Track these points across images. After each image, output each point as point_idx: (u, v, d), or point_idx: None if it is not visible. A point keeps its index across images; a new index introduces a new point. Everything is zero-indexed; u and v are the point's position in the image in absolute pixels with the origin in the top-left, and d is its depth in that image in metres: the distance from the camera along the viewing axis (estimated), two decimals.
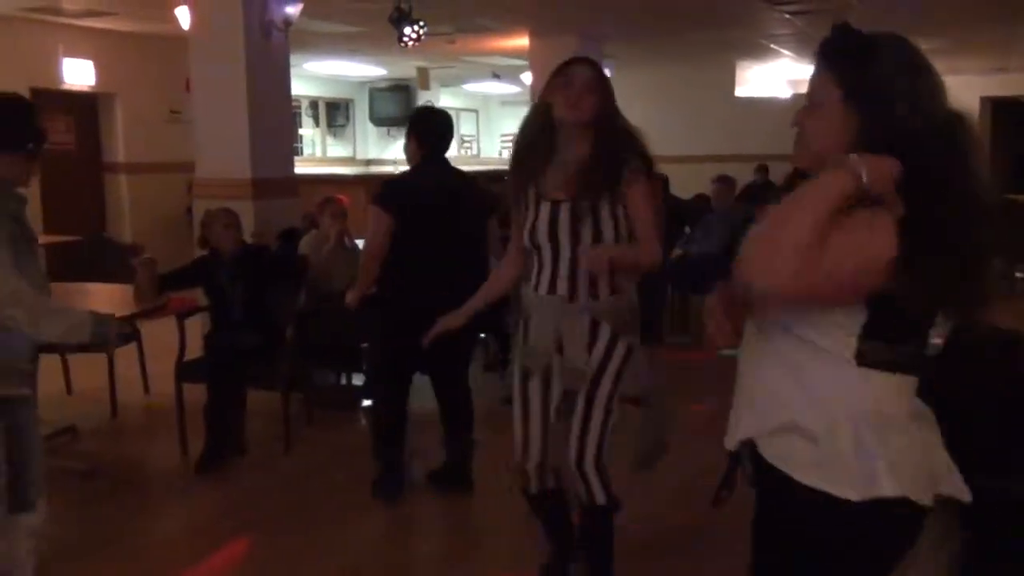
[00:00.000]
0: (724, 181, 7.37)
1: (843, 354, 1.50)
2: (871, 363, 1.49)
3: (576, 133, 2.58)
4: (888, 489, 1.47)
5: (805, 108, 1.57)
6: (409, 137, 3.83)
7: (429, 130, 3.82)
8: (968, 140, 1.48)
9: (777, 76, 13.96)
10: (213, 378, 4.28)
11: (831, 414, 1.51)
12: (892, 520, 1.52)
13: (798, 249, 1.35)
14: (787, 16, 8.54)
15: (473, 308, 2.85)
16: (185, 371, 4.38)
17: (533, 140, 2.64)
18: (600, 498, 2.67)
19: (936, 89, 1.50)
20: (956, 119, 1.49)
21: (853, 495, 1.49)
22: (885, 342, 1.49)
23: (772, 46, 11.03)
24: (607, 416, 2.62)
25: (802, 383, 1.55)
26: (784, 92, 14.07)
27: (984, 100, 12.92)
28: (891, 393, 1.54)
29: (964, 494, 1.58)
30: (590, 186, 2.54)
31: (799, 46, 10.98)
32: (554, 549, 2.98)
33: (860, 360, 1.49)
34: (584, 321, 2.57)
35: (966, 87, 12.62)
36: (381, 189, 3.85)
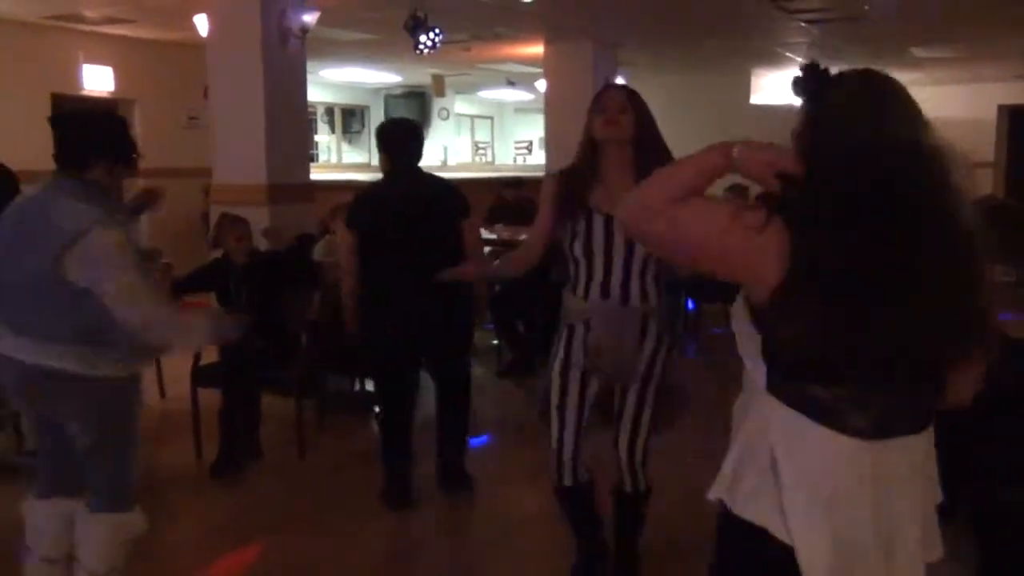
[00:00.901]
0: (736, 191, 7.34)
1: (758, 380, 1.48)
2: (772, 390, 1.45)
3: (616, 153, 2.74)
4: (743, 510, 1.48)
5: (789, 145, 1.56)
6: (379, 152, 3.93)
7: (390, 141, 3.90)
8: (932, 167, 1.38)
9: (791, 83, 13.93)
10: (227, 382, 4.30)
11: (745, 436, 1.51)
12: (745, 540, 1.49)
13: (655, 193, 1.48)
14: (803, 24, 8.53)
15: (483, 273, 3.05)
16: (200, 375, 4.41)
17: (579, 162, 2.82)
18: (643, 485, 2.94)
19: (902, 117, 1.45)
20: (918, 146, 1.41)
21: (715, 495, 1.53)
22: (782, 377, 1.44)
23: (787, 54, 11.01)
24: (657, 412, 2.86)
25: (744, 408, 1.56)
26: (799, 100, 14.04)
27: (1001, 108, 12.85)
28: (799, 437, 1.44)
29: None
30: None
31: (815, 53, 10.95)
32: (583, 545, 3.05)
33: (768, 385, 1.46)
34: (636, 323, 2.76)
35: (984, 95, 12.56)
36: (349, 207, 3.93)
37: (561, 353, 2.86)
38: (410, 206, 3.76)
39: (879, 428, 1.40)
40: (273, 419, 4.68)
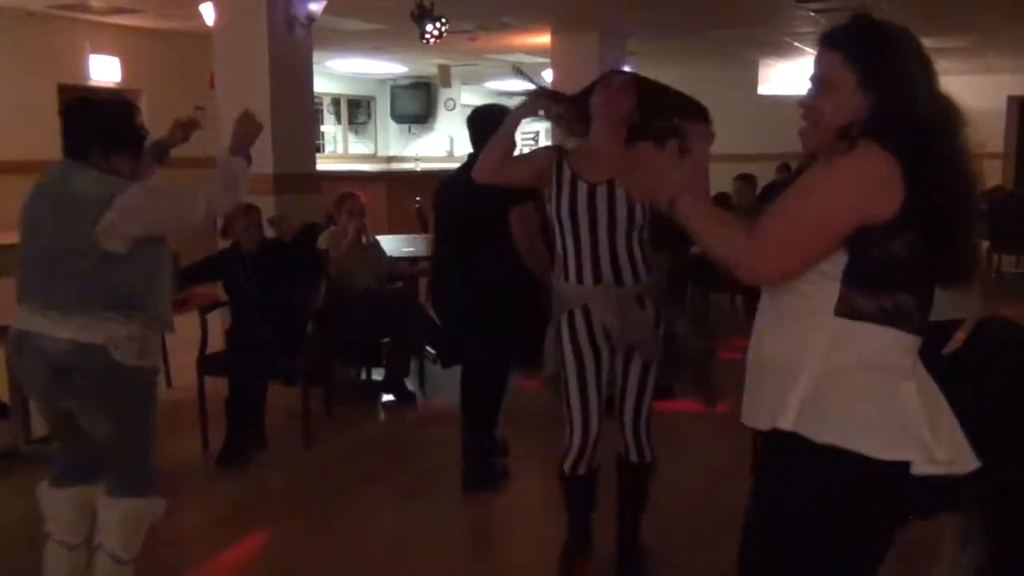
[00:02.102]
0: (745, 180, 7.34)
1: (825, 301, 1.59)
2: (849, 312, 1.57)
3: (610, 130, 2.78)
4: (851, 443, 1.56)
5: (815, 90, 1.66)
6: (479, 136, 3.83)
7: (471, 125, 3.93)
8: (963, 126, 1.61)
9: (800, 74, 13.87)
10: (234, 371, 4.31)
11: (805, 361, 1.59)
12: (862, 475, 1.57)
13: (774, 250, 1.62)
14: (811, 14, 8.49)
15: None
16: (207, 364, 4.42)
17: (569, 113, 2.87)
18: (648, 456, 2.95)
19: (936, 79, 1.62)
20: (953, 108, 1.62)
21: (818, 436, 1.58)
22: (868, 291, 1.57)
23: (796, 44, 10.95)
24: (655, 384, 2.91)
25: (783, 331, 1.64)
26: (806, 90, 13.98)
27: (1011, 99, 12.77)
28: (873, 346, 1.58)
29: (962, 464, 1.61)
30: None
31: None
32: (578, 531, 3.04)
33: (839, 308, 1.58)
34: (632, 300, 2.79)
35: (993, 86, 12.46)
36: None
37: (568, 342, 2.85)
38: (462, 193, 3.68)
39: (923, 327, 1.64)
40: (279, 409, 4.69)
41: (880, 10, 7.60)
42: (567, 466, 2.92)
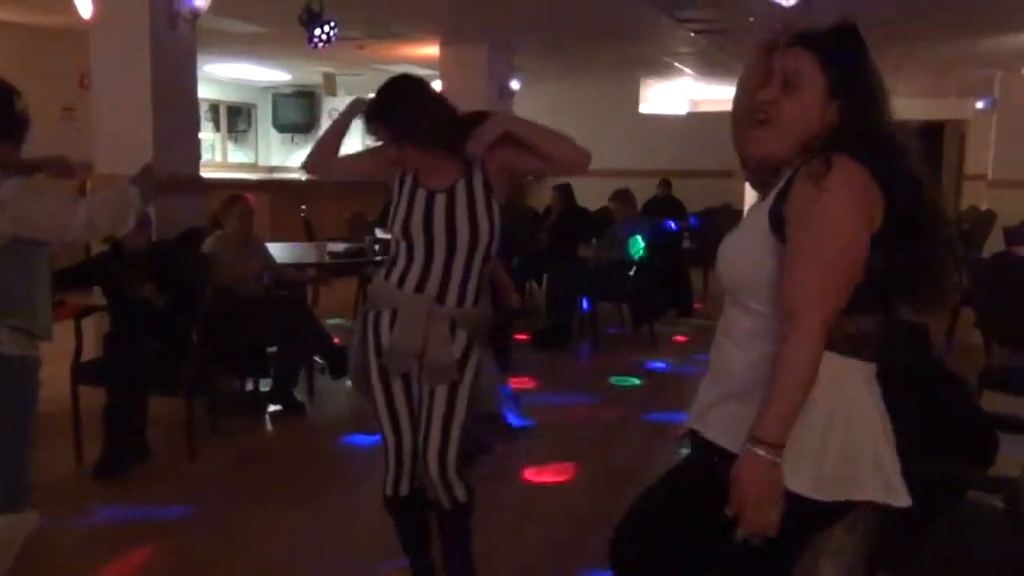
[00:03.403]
0: (621, 198, 7.46)
1: None
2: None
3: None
4: (806, 489, 1.54)
5: (778, 88, 1.61)
6: None
7: None
8: (913, 144, 1.61)
9: (678, 94, 14.37)
10: (113, 379, 4.08)
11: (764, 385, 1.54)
12: (808, 510, 1.56)
13: None
14: (691, 34, 8.81)
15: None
16: (82, 373, 4.16)
17: None
18: (462, 496, 2.65)
19: (890, 103, 1.63)
20: (904, 125, 1.63)
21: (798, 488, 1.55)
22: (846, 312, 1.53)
23: (675, 64, 11.35)
24: (467, 416, 2.60)
25: (743, 351, 1.60)
26: (684, 109, 14.50)
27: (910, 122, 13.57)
28: (835, 378, 1.55)
29: (891, 497, 1.59)
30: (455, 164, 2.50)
31: (701, 65, 11.33)
32: (415, 557, 2.84)
33: None
34: (444, 324, 2.54)
35: (898, 110, 13.20)
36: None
37: (372, 346, 2.60)
38: None
39: (881, 352, 1.61)
40: (161, 421, 4.46)
41: (754, 34, 7.98)
42: (387, 487, 2.68)
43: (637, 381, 5.99)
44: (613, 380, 5.97)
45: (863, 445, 1.57)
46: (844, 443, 1.56)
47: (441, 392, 2.56)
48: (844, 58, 1.58)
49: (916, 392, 2.28)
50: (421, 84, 2.59)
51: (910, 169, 1.56)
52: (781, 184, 1.61)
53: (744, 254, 1.65)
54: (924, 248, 1.56)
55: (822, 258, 1.49)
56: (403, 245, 2.55)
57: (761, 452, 1.49)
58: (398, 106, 2.49)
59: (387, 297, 2.58)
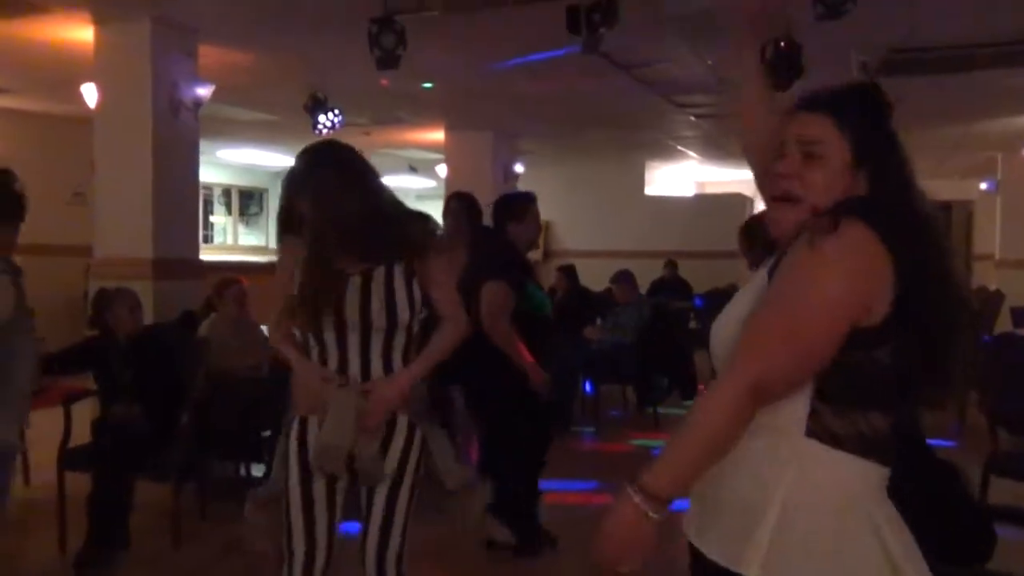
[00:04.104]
0: (621, 280, 7.46)
1: (792, 416, 1.37)
2: (824, 436, 1.36)
3: None
4: None
5: (797, 156, 1.44)
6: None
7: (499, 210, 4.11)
8: (945, 225, 1.47)
9: (684, 177, 14.53)
10: (99, 466, 4.01)
11: (773, 495, 1.36)
12: None
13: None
14: (692, 118, 8.94)
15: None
16: (69, 459, 4.10)
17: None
18: None
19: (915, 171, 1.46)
20: (934, 205, 1.45)
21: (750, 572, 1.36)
22: (842, 409, 1.36)
23: (679, 147, 11.50)
24: (408, 513, 2.37)
25: (744, 452, 1.38)
26: (690, 191, 14.63)
27: None
28: (849, 483, 1.38)
29: None
30: (372, 251, 2.29)
31: (705, 148, 11.48)
32: None
33: (811, 429, 1.36)
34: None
35: None
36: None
37: (296, 456, 2.33)
38: None
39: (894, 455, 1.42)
40: (148, 507, 4.38)
41: None
42: None
43: None
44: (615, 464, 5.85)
45: (876, 560, 1.36)
46: (853, 559, 1.35)
47: (381, 493, 2.34)
48: (863, 121, 1.41)
49: (908, 487, 2.20)
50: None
51: (940, 255, 1.38)
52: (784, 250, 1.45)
53: (735, 324, 1.44)
54: (940, 348, 1.35)
55: (786, 314, 1.32)
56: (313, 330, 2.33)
57: (636, 499, 1.32)
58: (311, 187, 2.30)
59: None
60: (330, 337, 2.29)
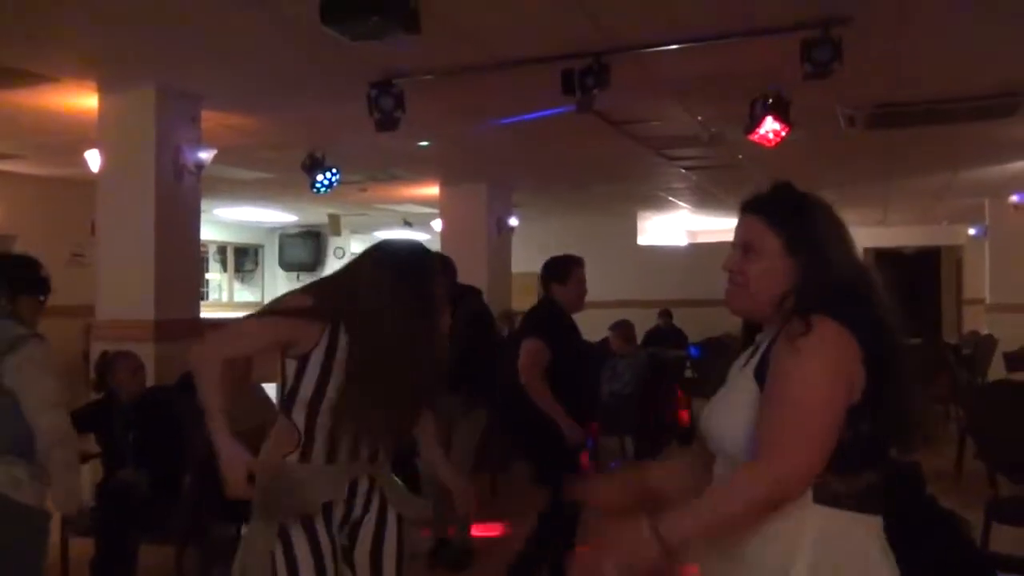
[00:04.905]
0: (619, 329, 7.53)
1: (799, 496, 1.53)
2: (830, 499, 1.53)
3: None
4: None
5: (739, 254, 1.69)
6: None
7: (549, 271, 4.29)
8: (880, 288, 1.65)
9: (676, 226, 14.68)
10: (102, 530, 4.01)
11: (794, 561, 1.51)
12: None
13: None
14: (683, 171, 9.08)
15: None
16: (72, 523, 4.09)
17: None
18: None
19: (852, 243, 1.68)
20: (868, 270, 1.68)
21: None
22: (842, 474, 1.53)
23: (670, 198, 11.64)
24: None
25: (760, 523, 1.54)
26: (682, 240, 14.76)
27: (867, 250, 13.82)
28: (856, 538, 1.55)
29: None
30: None
31: (696, 198, 11.63)
32: None
33: (819, 495, 1.53)
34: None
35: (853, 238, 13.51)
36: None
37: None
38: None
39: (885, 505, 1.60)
40: (152, 571, 4.36)
41: (743, 169, 8.25)
42: None
43: None
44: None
45: None
46: None
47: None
48: (787, 217, 1.65)
49: (910, 535, 2.24)
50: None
51: (878, 316, 1.59)
52: (765, 345, 1.64)
53: (732, 416, 1.64)
54: (901, 394, 1.57)
55: (795, 412, 1.50)
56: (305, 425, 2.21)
57: (647, 532, 1.46)
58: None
59: (321, 484, 2.20)
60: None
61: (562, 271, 4.18)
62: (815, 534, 1.52)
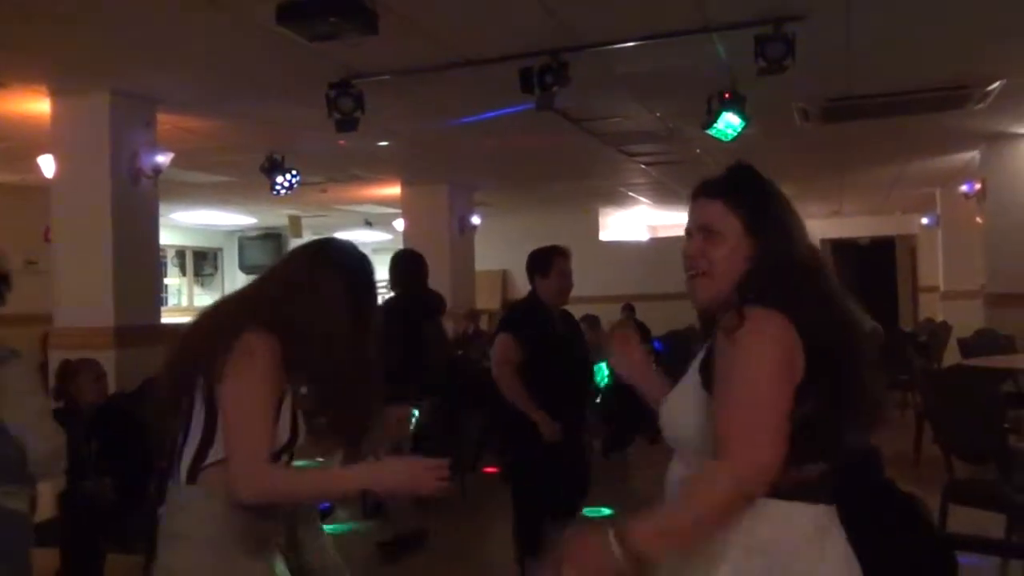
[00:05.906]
0: (588, 323, 7.60)
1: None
2: (768, 490, 1.50)
3: None
4: None
5: (699, 239, 1.65)
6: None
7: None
8: (828, 268, 1.67)
9: (637, 222, 14.79)
10: (68, 540, 3.95)
11: (726, 546, 1.51)
12: None
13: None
14: (642, 166, 9.16)
15: None
16: (37, 534, 4.02)
17: None
18: None
19: (803, 226, 1.68)
20: (818, 252, 1.71)
21: None
22: (792, 464, 1.50)
23: (631, 194, 11.74)
24: None
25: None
26: (643, 235, 14.88)
27: (824, 241, 14.03)
28: (793, 526, 1.54)
29: None
30: None
31: (655, 193, 11.73)
32: None
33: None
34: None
35: (808, 230, 13.72)
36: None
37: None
38: None
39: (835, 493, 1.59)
40: None
41: (704, 164, 8.35)
42: None
43: (608, 511, 5.90)
44: (585, 512, 5.88)
45: None
46: None
47: None
48: (747, 197, 1.64)
49: (869, 519, 2.29)
50: None
51: (822, 296, 1.58)
52: (712, 339, 1.62)
53: (680, 409, 1.65)
54: (848, 379, 1.54)
55: (743, 410, 1.48)
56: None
57: (612, 539, 1.42)
58: None
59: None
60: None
61: (543, 263, 4.03)
62: (749, 521, 1.50)
